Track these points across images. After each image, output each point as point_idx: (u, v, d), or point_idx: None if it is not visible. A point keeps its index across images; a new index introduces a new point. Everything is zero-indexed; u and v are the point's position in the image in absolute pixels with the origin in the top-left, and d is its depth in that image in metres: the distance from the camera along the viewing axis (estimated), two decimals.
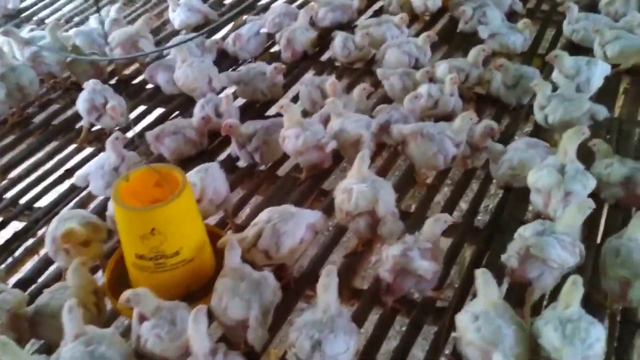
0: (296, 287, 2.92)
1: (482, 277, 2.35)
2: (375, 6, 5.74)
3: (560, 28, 4.80)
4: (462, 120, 3.37)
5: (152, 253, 2.62)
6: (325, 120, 3.67)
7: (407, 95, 3.76)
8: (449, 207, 3.40)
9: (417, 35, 5.02)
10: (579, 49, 4.56)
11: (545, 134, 3.72)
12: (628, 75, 4.33)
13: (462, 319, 2.32)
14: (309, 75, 4.29)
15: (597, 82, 3.96)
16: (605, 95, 4.09)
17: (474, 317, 2.27)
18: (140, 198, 2.76)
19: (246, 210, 3.64)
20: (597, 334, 2.18)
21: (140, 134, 3.89)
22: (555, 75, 4.02)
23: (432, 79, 4.16)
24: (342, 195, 2.96)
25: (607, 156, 3.23)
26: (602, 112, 3.56)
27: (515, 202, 3.27)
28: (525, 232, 2.63)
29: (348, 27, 5.17)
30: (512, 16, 5.23)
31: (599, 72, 3.94)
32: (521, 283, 2.65)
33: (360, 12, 5.53)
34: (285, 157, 3.77)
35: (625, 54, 4.18)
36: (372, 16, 5.52)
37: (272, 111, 4.30)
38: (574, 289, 2.22)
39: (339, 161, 3.72)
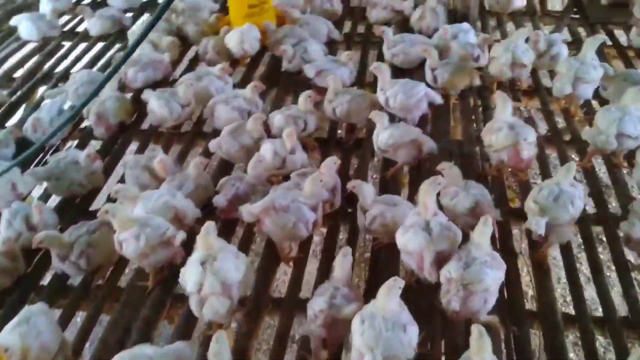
0: None
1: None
2: (190, 53, 5.31)
3: (382, 49, 4.76)
4: (313, 182, 3.10)
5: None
6: None
7: (250, 161, 3.41)
8: (320, 279, 3.10)
9: (243, 80, 4.75)
10: (403, 71, 4.55)
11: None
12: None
13: None
14: (131, 156, 3.73)
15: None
16: (439, 119, 4.11)
17: None
18: None
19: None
20: None
21: None
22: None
23: (268, 130, 3.89)
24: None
25: (455, 182, 3.17)
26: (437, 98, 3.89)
27: (387, 261, 3.07)
28: (452, 274, 2.49)
29: (165, 84, 4.68)
30: (331, 45, 5.14)
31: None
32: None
33: (175, 63, 5.06)
34: (122, 262, 3.22)
35: (455, 80, 4.21)
36: (188, 66, 5.11)
37: (97, 204, 3.69)
38: None
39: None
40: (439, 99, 3.96)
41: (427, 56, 4.24)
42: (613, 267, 3.11)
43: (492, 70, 4.30)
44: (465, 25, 4.80)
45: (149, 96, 4.15)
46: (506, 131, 3.33)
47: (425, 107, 3.94)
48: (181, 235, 2.96)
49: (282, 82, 4.71)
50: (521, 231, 3.53)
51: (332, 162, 3.28)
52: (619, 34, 5.18)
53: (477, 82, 4.29)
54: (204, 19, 5.35)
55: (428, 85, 4.07)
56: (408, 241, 2.70)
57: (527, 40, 4.34)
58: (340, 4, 5.58)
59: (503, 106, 3.47)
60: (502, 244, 3.15)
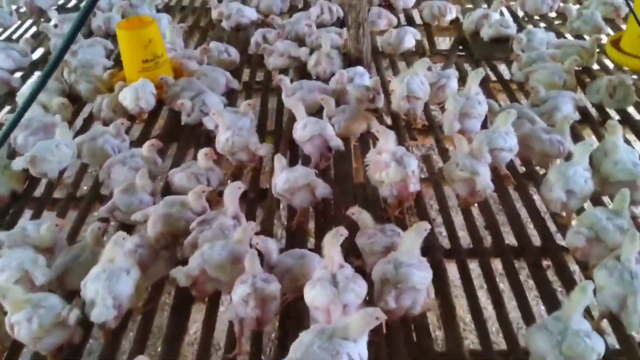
0: None
1: None
2: (85, 112, 5.12)
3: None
4: (243, 231, 3.17)
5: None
6: None
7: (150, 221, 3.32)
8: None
9: (141, 137, 4.63)
10: None
11: None
12: None
13: None
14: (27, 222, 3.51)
15: None
16: (340, 162, 4.20)
17: None
18: None
19: None
20: None
21: None
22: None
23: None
24: None
25: (367, 226, 3.22)
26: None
27: (297, 317, 3.03)
28: (385, 275, 2.78)
29: None
30: (231, 94, 5.14)
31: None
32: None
33: (68, 124, 4.84)
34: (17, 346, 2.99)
35: (353, 127, 4.32)
36: (82, 126, 4.92)
37: None
38: None
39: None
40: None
41: (324, 104, 4.33)
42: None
43: (393, 104, 4.45)
44: (360, 68, 4.96)
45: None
46: (395, 166, 3.45)
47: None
48: (75, 314, 2.80)
49: (182, 136, 4.64)
50: None
51: (235, 188, 3.38)
52: (503, 68, 5.55)
53: (374, 124, 4.41)
54: (97, 75, 5.20)
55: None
56: (315, 297, 2.69)
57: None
58: (237, 53, 5.61)
59: (385, 139, 3.59)
60: None
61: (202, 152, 3.85)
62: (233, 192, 3.38)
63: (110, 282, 2.87)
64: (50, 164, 4.05)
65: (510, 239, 3.61)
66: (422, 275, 2.80)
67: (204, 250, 3.03)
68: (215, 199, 3.87)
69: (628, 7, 3.20)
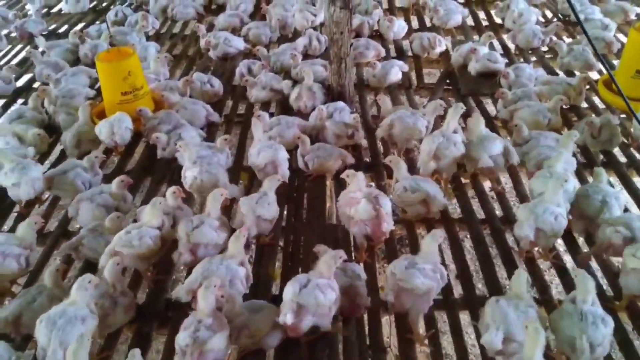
0: None
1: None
2: (56, 151, 5.05)
3: None
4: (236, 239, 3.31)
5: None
6: None
7: None
8: None
9: (117, 170, 4.57)
10: None
11: None
12: None
13: None
14: None
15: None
16: (315, 201, 4.11)
17: None
18: None
19: None
20: None
21: None
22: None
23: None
24: None
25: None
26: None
27: None
28: (395, 269, 3.01)
29: None
30: (210, 128, 5.07)
31: None
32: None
33: (44, 155, 4.82)
34: None
35: (327, 164, 4.25)
36: (58, 157, 4.86)
37: None
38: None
39: None
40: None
41: (299, 143, 4.25)
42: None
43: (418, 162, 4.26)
44: (340, 103, 4.88)
45: None
46: (365, 203, 3.45)
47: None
48: None
49: (157, 170, 4.56)
50: (390, 322, 3.48)
51: (218, 194, 3.51)
52: (490, 104, 5.45)
53: (350, 161, 4.33)
54: (77, 106, 5.14)
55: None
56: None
57: None
58: (221, 85, 5.55)
59: (355, 183, 3.59)
60: (372, 337, 3.09)
61: (170, 191, 3.77)
62: (216, 198, 3.49)
63: (64, 333, 2.80)
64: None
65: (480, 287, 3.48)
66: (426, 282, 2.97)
67: (203, 265, 3.14)
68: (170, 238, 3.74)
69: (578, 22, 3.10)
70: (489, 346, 2.73)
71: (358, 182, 3.58)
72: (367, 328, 3.15)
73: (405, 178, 3.77)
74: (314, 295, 2.82)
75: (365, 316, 3.21)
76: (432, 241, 3.12)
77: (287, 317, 2.78)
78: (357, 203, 3.48)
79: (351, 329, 3.10)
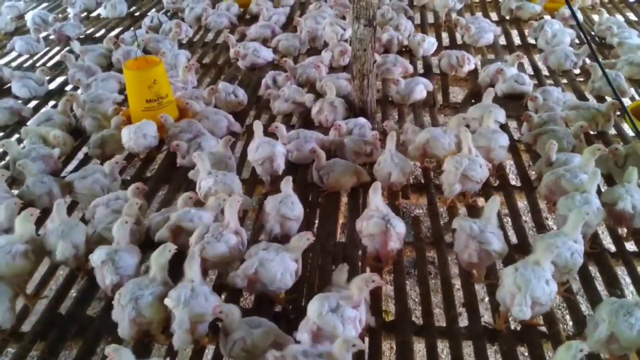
0: None
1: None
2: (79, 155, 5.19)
3: None
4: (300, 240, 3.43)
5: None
6: None
7: None
8: None
9: (136, 176, 4.65)
10: None
11: None
12: None
13: None
14: None
15: None
16: (327, 219, 4.07)
17: None
18: None
19: None
20: None
21: None
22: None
23: None
24: None
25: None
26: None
27: None
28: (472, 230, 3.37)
29: None
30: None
31: None
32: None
33: (69, 157, 4.94)
34: None
35: (342, 181, 4.27)
36: (82, 160, 4.98)
37: None
38: None
39: None
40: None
41: (314, 157, 4.25)
42: None
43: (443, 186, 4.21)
44: (361, 119, 4.86)
45: None
46: (376, 219, 3.49)
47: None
48: None
49: (175, 178, 4.62)
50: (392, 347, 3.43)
51: (235, 202, 3.51)
52: (515, 127, 5.34)
53: (365, 179, 4.30)
54: (103, 111, 5.27)
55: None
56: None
57: None
58: (245, 95, 5.60)
59: (374, 195, 3.60)
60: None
61: (183, 197, 3.83)
62: (233, 205, 3.50)
63: None
64: None
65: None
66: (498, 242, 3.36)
67: (258, 252, 3.29)
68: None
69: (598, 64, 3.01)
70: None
71: (375, 192, 3.62)
72: (366, 352, 3.11)
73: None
74: (336, 325, 2.78)
75: (367, 339, 3.18)
76: (494, 205, 3.42)
77: (303, 336, 2.82)
78: (370, 219, 3.51)
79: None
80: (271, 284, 3.25)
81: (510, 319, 3.29)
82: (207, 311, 2.97)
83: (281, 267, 3.24)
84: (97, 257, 3.33)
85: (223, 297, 3.49)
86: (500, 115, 4.88)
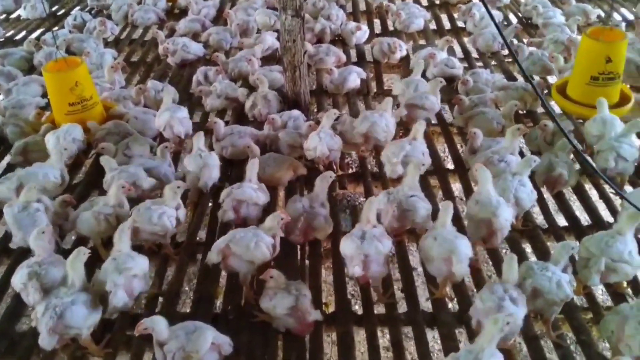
0: None
1: None
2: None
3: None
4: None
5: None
6: None
7: None
8: None
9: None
10: None
11: None
12: None
13: None
14: None
15: None
16: None
17: None
18: None
19: None
20: None
21: None
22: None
23: None
24: None
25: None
26: None
27: None
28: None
29: None
30: (163, 137, 4.94)
31: None
32: None
33: None
34: None
35: (278, 175, 4.23)
36: (6, 168, 4.72)
37: None
38: None
39: None
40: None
41: (249, 153, 4.17)
42: None
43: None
44: (295, 112, 4.81)
45: None
46: (357, 242, 3.18)
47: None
48: None
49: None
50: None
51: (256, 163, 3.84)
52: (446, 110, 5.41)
53: (302, 171, 4.26)
54: (25, 117, 5.00)
55: None
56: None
57: None
58: (176, 93, 5.43)
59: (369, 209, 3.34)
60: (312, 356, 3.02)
61: (116, 185, 3.75)
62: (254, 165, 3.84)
63: None
64: None
65: None
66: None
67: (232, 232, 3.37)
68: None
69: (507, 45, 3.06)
70: None
71: (370, 212, 3.34)
72: (308, 346, 3.08)
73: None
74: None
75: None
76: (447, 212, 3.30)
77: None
78: (348, 238, 3.26)
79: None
80: (245, 253, 3.24)
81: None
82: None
83: (255, 238, 3.28)
84: (18, 278, 3.17)
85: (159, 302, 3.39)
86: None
